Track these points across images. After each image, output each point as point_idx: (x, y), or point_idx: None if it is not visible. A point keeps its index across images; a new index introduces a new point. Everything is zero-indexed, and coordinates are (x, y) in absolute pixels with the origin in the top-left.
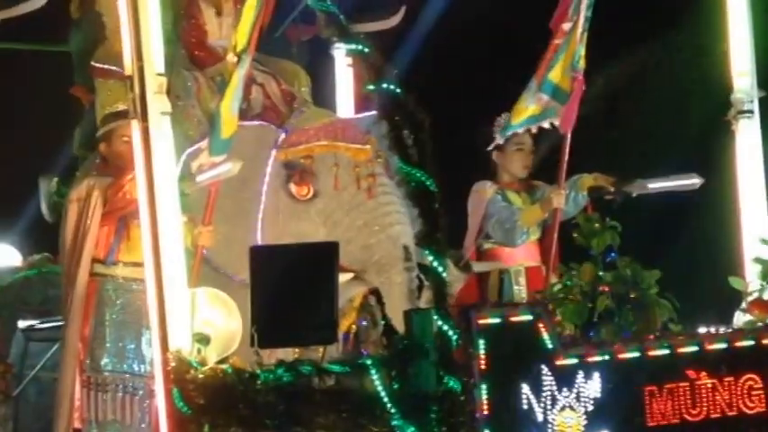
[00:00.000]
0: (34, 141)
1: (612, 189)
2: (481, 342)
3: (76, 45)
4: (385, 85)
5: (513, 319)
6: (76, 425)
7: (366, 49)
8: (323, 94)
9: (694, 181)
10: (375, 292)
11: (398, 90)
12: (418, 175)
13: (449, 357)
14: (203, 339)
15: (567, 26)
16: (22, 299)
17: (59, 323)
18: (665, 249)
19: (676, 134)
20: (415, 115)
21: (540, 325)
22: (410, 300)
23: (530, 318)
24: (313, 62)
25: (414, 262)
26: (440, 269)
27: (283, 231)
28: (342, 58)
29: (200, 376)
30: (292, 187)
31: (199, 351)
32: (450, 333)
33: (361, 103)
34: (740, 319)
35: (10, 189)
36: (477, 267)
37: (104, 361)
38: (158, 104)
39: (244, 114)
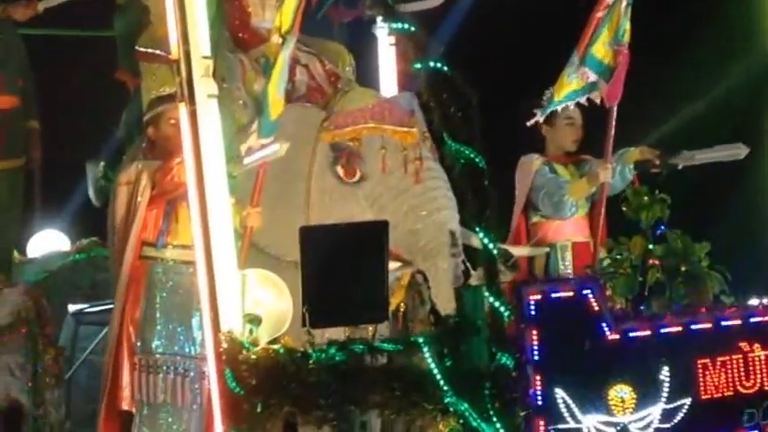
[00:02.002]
0: (81, 127)
1: (658, 162)
2: (533, 318)
3: (121, 30)
4: (432, 63)
5: (565, 294)
6: (124, 406)
7: (412, 28)
8: (366, 75)
9: (740, 150)
10: (422, 272)
11: (445, 68)
12: (467, 152)
13: (501, 334)
14: (254, 320)
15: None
16: (72, 283)
17: (109, 306)
18: (713, 220)
19: (722, 104)
20: (462, 92)
21: (592, 300)
22: (456, 285)
23: (581, 292)
24: (354, 42)
25: (460, 247)
26: (490, 246)
27: (330, 213)
28: (384, 38)
29: (253, 357)
30: (339, 169)
31: (251, 332)
32: (503, 309)
33: (405, 81)
34: None
35: (58, 175)
36: (522, 252)
37: (155, 343)
38: (205, 88)
39: (288, 95)
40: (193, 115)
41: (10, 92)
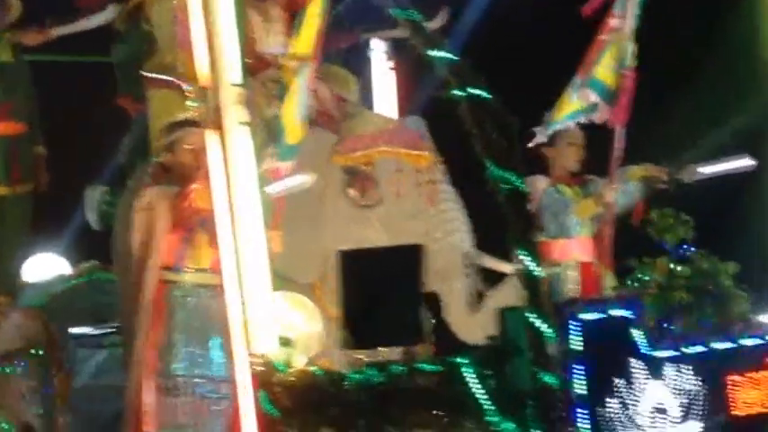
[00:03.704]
0: (78, 151)
1: (665, 177)
2: (576, 337)
3: (121, 56)
4: (473, 91)
5: (607, 313)
6: (147, 429)
7: (454, 57)
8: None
9: (746, 163)
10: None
11: (486, 95)
12: (510, 177)
13: (545, 354)
14: (286, 343)
15: (613, 22)
16: (73, 306)
17: (109, 330)
18: (736, 240)
19: (729, 121)
20: (503, 119)
21: (632, 320)
22: (470, 305)
23: (622, 312)
24: (348, 65)
25: (474, 269)
26: (533, 269)
27: (344, 236)
28: (381, 62)
29: (289, 379)
30: (352, 193)
31: (286, 354)
32: (546, 330)
33: (404, 105)
34: None
35: (56, 199)
36: None
37: (175, 366)
38: (236, 115)
39: None
40: (222, 142)
41: (19, 118)
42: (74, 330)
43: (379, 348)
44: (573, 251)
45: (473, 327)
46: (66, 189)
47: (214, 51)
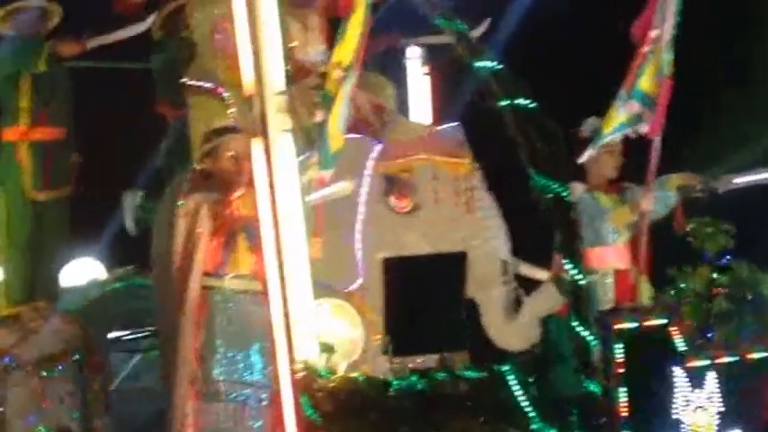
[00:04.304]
0: (116, 156)
1: (700, 186)
2: (618, 346)
3: (159, 63)
4: (518, 101)
5: (648, 323)
6: None
7: (498, 66)
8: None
9: None
10: None
11: (532, 105)
12: (555, 186)
13: (588, 361)
14: (329, 349)
15: (654, 33)
16: (110, 311)
17: (144, 334)
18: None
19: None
20: (548, 128)
21: (673, 328)
22: (508, 313)
23: (663, 321)
24: (384, 72)
25: (511, 275)
26: (579, 277)
27: (383, 243)
28: (416, 69)
29: (330, 385)
30: (392, 200)
31: (327, 360)
32: (589, 338)
33: (439, 112)
34: None
35: (92, 204)
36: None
37: (216, 371)
38: (279, 122)
39: None
40: (267, 150)
41: (56, 123)
42: (110, 335)
43: (416, 356)
44: (609, 259)
45: (511, 334)
46: (104, 194)
47: (259, 59)
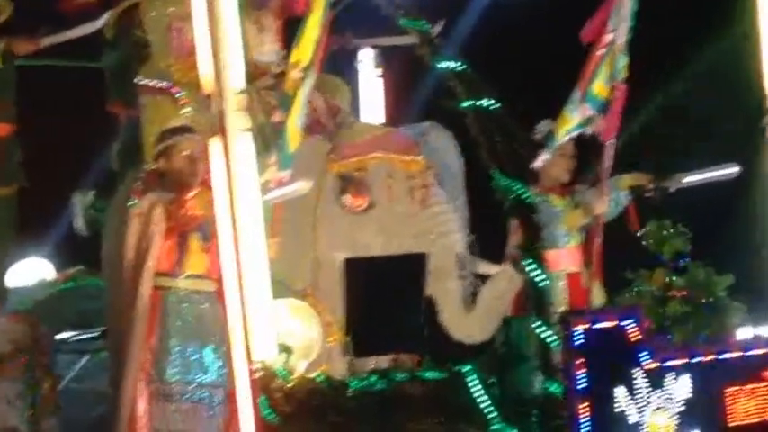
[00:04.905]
0: (65, 155)
1: (651, 186)
2: (580, 347)
3: (111, 62)
4: (481, 102)
5: (610, 324)
6: None
7: (461, 67)
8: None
9: (732, 170)
10: None
11: (495, 106)
12: (516, 187)
13: (549, 362)
14: (287, 349)
15: (608, 37)
16: (59, 311)
17: (92, 335)
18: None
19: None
20: (510, 128)
21: (633, 330)
22: (465, 307)
23: (624, 323)
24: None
25: (467, 270)
26: (539, 278)
27: (338, 242)
28: (369, 70)
29: (289, 385)
30: (347, 199)
31: (286, 361)
32: (550, 339)
33: (391, 113)
34: None
35: (41, 203)
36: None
37: (171, 371)
38: (238, 122)
39: None
40: (226, 149)
41: (5, 119)
42: (58, 336)
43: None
44: (562, 261)
45: (469, 326)
46: (53, 193)
47: (218, 58)
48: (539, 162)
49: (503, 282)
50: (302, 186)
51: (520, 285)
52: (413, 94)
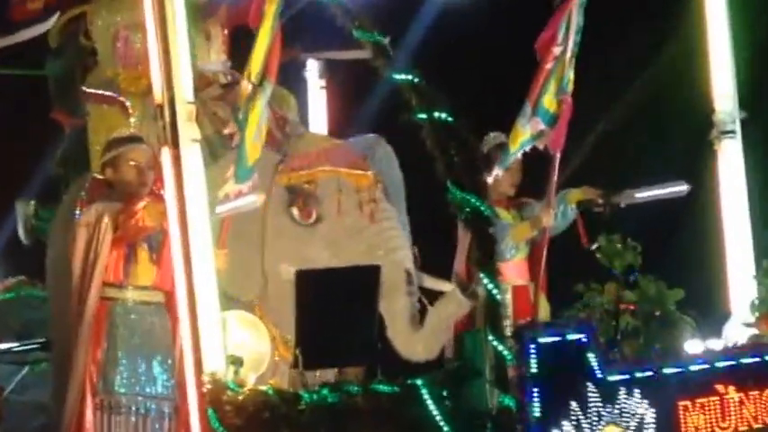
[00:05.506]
0: (7, 164)
1: (601, 201)
2: (533, 360)
3: (56, 71)
4: (437, 114)
5: (563, 338)
6: None
7: (416, 79)
8: None
9: (681, 188)
10: None
11: (451, 118)
12: (472, 200)
13: (503, 376)
14: (237, 361)
15: (557, 50)
16: (3, 322)
17: (33, 346)
18: (684, 266)
19: (663, 154)
20: (466, 142)
21: (587, 344)
22: (412, 323)
23: (577, 337)
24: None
25: (415, 286)
26: (494, 292)
27: (286, 254)
28: (315, 81)
29: (239, 398)
30: (295, 211)
31: (236, 373)
32: (505, 352)
33: (335, 124)
34: (730, 332)
35: None
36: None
37: (117, 383)
38: (189, 132)
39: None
40: (177, 159)
41: None
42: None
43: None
44: (508, 274)
45: (416, 344)
46: None
47: (169, 68)
48: (491, 176)
49: (451, 306)
50: (254, 200)
51: (468, 310)
52: (357, 106)
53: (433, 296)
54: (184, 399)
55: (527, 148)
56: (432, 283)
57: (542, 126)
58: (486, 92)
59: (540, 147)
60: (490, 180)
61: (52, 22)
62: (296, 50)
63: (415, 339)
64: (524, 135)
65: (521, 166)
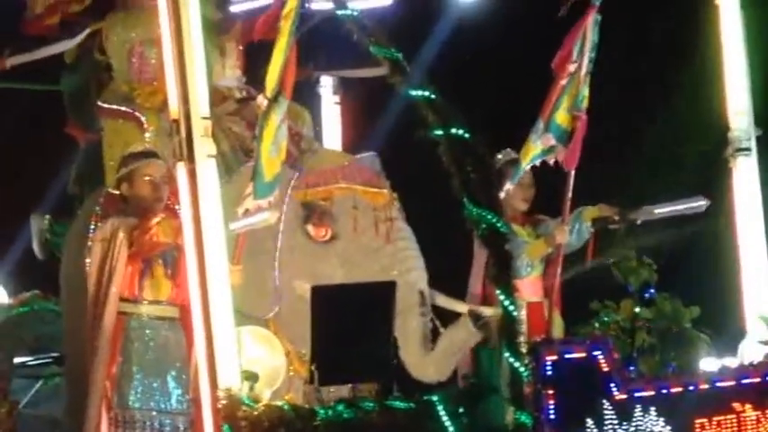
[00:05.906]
0: (22, 179)
1: (617, 217)
2: (549, 377)
3: (71, 85)
4: (453, 130)
5: (579, 355)
6: None
7: (433, 95)
8: None
9: (700, 203)
10: None
11: (467, 135)
12: (489, 216)
13: (519, 392)
14: (252, 377)
15: (572, 67)
16: (15, 336)
17: (47, 360)
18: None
19: (679, 171)
20: (483, 158)
21: (602, 360)
22: (424, 345)
23: (593, 354)
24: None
25: (428, 307)
26: (511, 308)
27: (300, 271)
28: (329, 96)
29: (255, 413)
30: (310, 228)
31: (251, 388)
32: (521, 369)
33: (349, 140)
34: (746, 350)
35: None
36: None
37: (132, 398)
38: (204, 147)
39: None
40: (192, 174)
41: None
42: (17, 360)
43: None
44: (523, 291)
45: (426, 365)
46: (6, 217)
47: (185, 84)
48: (502, 192)
49: (462, 332)
50: (268, 217)
51: (478, 340)
52: (371, 121)
53: (446, 315)
54: (199, 414)
55: (537, 163)
56: (445, 302)
57: (553, 141)
58: (501, 108)
59: (551, 162)
60: (502, 195)
61: (78, 40)
62: (309, 69)
63: (427, 362)
64: (535, 150)
65: (532, 182)
